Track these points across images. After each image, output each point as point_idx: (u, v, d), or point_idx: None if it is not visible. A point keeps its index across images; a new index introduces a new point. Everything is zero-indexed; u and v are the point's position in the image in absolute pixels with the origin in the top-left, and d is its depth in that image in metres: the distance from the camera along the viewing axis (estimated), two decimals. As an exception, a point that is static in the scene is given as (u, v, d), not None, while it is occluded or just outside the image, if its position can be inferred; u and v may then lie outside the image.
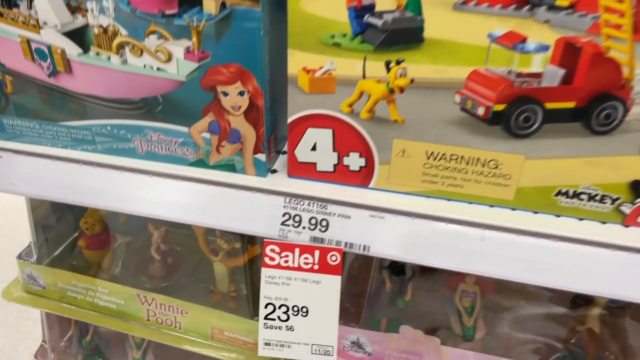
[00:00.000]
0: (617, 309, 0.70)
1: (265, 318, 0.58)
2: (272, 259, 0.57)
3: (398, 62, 0.49)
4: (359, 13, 0.48)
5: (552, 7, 0.44)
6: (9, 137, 0.62)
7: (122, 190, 0.60)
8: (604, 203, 0.52)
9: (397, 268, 0.75)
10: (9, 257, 0.88)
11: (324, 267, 0.56)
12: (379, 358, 0.73)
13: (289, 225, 0.57)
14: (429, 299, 0.76)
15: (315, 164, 0.57)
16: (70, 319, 0.91)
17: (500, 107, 0.49)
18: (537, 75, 0.47)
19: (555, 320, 0.74)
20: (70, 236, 0.91)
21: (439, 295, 0.75)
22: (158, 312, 0.78)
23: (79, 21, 0.53)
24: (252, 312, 0.76)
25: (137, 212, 0.60)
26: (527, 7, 0.45)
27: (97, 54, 0.54)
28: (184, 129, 0.57)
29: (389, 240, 0.56)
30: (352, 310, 0.75)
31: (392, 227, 0.55)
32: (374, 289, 0.76)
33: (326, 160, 0.56)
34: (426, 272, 0.75)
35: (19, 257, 0.82)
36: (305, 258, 0.56)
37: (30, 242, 0.83)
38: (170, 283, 0.83)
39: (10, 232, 1.78)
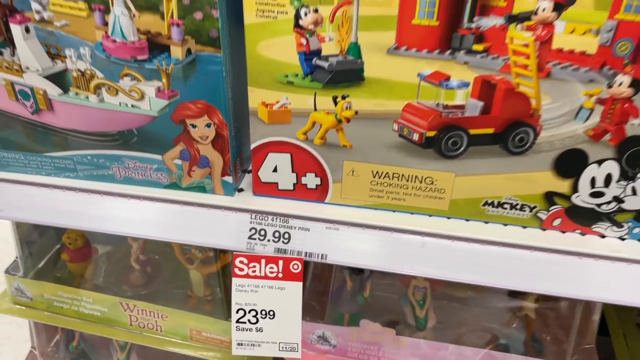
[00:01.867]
0: (548, 297, 0.79)
1: (237, 322, 0.66)
2: (242, 270, 0.64)
3: (343, 97, 0.57)
4: (308, 57, 0.55)
5: (470, 51, 0.52)
6: (-4, 167, 0.68)
7: (103, 212, 0.67)
8: (524, 211, 0.60)
9: (356, 268, 0.82)
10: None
11: (287, 275, 0.64)
12: (343, 349, 0.82)
13: (255, 239, 0.64)
14: (386, 294, 0.84)
15: (276, 183, 0.64)
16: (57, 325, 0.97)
17: (431, 134, 0.57)
18: (461, 107, 0.55)
19: (498, 308, 0.83)
20: (52, 249, 0.96)
21: (395, 291, 0.84)
22: (140, 318, 0.85)
23: (59, 66, 0.59)
24: (227, 313, 0.84)
25: (117, 232, 0.67)
26: (448, 51, 0.52)
27: (76, 93, 0.60)
28: (158, 157, 0.63)
29: (343, 248, 0.63)
30: (317, 308, 0.83)
31: (346, 237, 0.63)
32: (336, 287, 0.84)
33: (286, 180, 0.64)
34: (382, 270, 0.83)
35: (7, 272, 0.88)
36: (271, 267, 0.64)
37: (17, 256, 0.88)
38: (150, 290, 0.89)
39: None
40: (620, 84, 0.51)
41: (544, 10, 0.49)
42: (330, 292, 0.82)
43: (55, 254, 0.95)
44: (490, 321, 0.83)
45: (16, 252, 0.89)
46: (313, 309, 0.83)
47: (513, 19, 0.50)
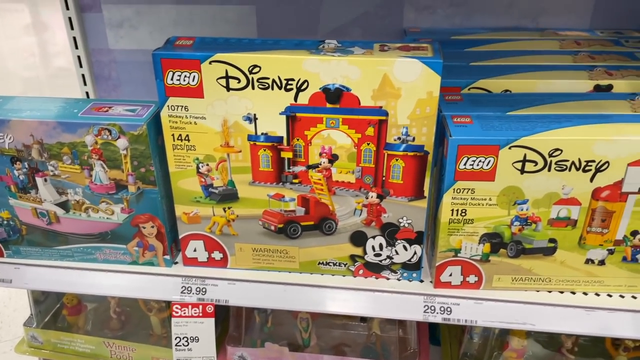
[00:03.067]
0: (386, 320, 1.21)
1: (176, 345, 1.06)
2: (177, 312, 1.05)
3: (229, 208, 0.99)
4: (206, 187, 0.98)
5: (292, 183, 0.96)
6: (23, 257, 1.09)
7: (90, 281, 1.07)
8: (341, 266, 1.03)
9: (261, 308, 1.23)
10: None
11: (205, 314, 1.05)
12: (256, 364, 1.21)
13: (185, 293, 1.05)
14: (283, 324, 1.24)
15: (197, 258, 1.06)
16: (58, 363, 1.35)
17: (280, 226, 1.00)
18: (293, 211, 0.98)
19: (358, 330, 1.24)
20: (54, 307, 1.35)
21: (288, 322, 1.24)
22: (117, 351, 1.23)
23: (63, 198, 1.01)
24: (177, 344, 1.23)
25: (100, 293, 1.07)
26: (281, 183, 0.96)
27: (74, 212, 1.02)
28: (124, 246, 1.05)
29: (239, 296, 1.05)
30: (237, 336, 1.23)
31: (240, 289, 1.04)
32: (249, 322, 1.24)
33: (202, 256, 1.06)
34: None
35: (25, 324, 1.26)
36: (195, 310, 1.04)
37: (31, 314, 1.28)
38: (124, 332, 1.20)
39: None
40: (372, 197, 0.94)
41: (324, 163, 0.93)
42: (245, 325, 1.22)
43: (56, 310, 1.34)
44: (354, 339, 1.24)
45: (30, 310, 1.28)
46: (234, 338, 1.23)
47: (310, 167, 0.94)
